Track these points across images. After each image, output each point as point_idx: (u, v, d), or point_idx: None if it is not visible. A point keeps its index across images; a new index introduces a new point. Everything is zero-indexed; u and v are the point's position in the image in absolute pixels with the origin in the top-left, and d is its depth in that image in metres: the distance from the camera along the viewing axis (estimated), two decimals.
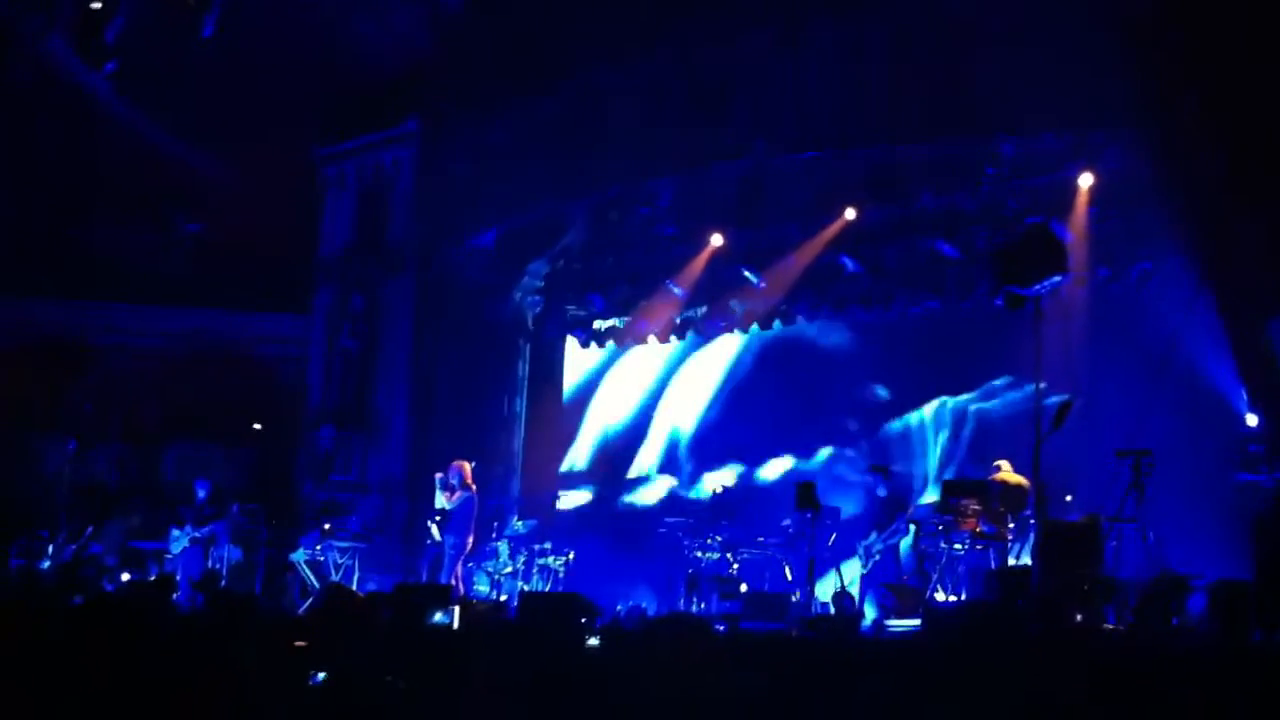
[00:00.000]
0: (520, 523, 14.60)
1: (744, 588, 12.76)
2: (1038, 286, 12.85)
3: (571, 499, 16.70)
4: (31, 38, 16.03)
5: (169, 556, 14.07)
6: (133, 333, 17.29)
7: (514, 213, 15.63)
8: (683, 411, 16.74)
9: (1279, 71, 10.19)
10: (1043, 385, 10.78)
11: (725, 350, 16.57)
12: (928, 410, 14.41)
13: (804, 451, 14.25)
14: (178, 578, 13.10)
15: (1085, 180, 12.83)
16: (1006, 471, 12.06)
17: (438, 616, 9.94)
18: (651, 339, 16.73)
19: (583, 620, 8.74)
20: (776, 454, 14.41)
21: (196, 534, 14.02)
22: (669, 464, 16.61)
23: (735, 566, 13.39)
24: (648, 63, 14.19)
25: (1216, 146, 10.75)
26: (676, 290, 16.04)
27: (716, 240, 15.33)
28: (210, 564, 13.94)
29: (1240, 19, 10.41)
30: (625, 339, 16.95)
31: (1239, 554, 10.61)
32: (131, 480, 16.26)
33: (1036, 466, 11.37)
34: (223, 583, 13.40)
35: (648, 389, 17.04)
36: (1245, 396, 11.34)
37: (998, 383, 13.72)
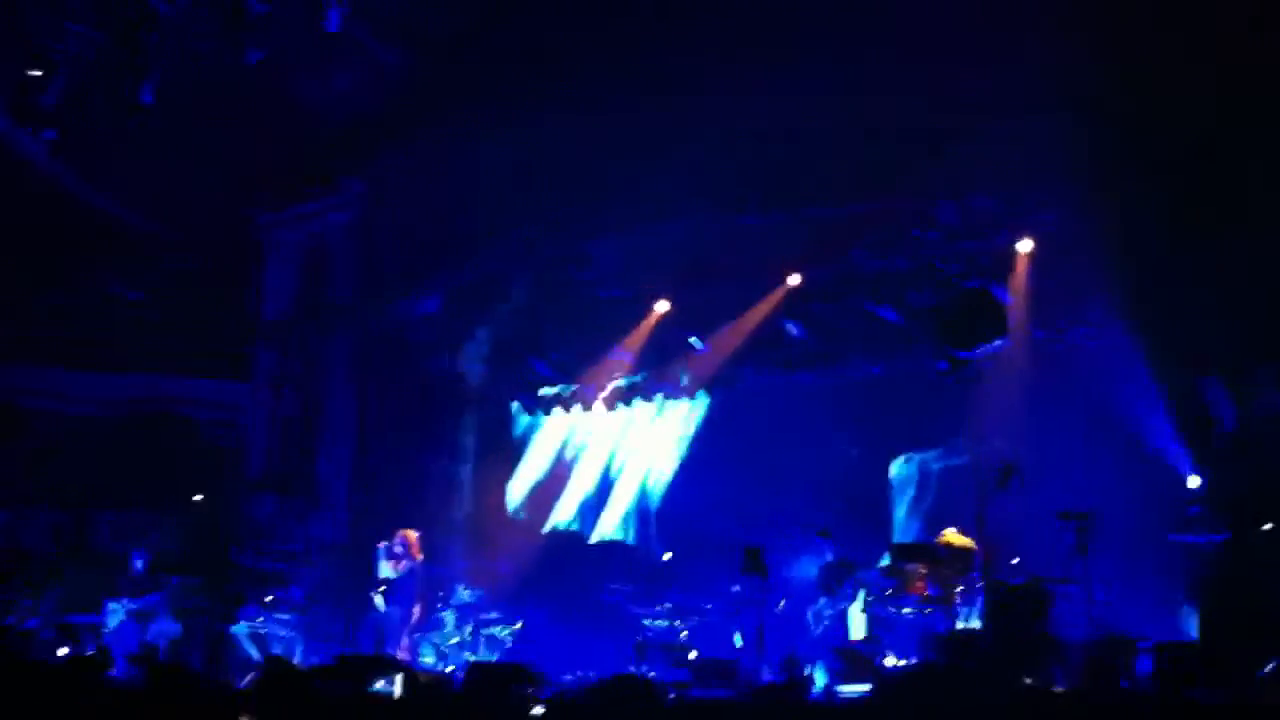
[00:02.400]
0: (467, 591, 14.41)
1: (693, 655, 12.66)
2: (978, 350, 13.05)
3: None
4: None
5: (106, 630, 13.75)
6: (69, 398, 17.01)
7: (457, 274, 15.59)
8: (633, 477, 16.66)
9: (1222, 139, 10.45)
10: (984, 447, 10.89)
11: (676, 414, 16.55)
12: (891, 469, 14.46)
13: (752, 516, 14.20)
14: (112, 652, 12.79)
15: (1024, 245, 13.02)
16: (953, 534, 12.10)
17: (379, 685, 9.76)
18: (597, 406, 16.68)
19: (528, 691, 8.62)
20: (725, 518, 14.34)
21: (133, 606, 13.74)
22: (622, 528, 16.48)
23: (684, 633, 13.29)
24: (588, 120, 14.27)
25: (1156, 210, 10.97)
26: (620, 355, 16.06)
27: (661, 306, 15.38)
28: (148, 637, 13.64)
29: (1185, 88, 10.66)
30: (570, 405, 16.88)
31: (1183, 615, 10.72)
32: (67, 546, 15.92)
33: (981, 529, 11.49)
34: (161, 656, 13.10)
35: (604, 454, 16.93)
36: (1186, 458, 11.49)
37: (959, 441, 13.76)
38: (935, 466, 14.13)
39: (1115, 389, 11.78)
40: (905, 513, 14.15)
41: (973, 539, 11.64)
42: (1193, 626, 10.69)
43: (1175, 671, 9.10)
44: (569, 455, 16.87)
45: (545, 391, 16.86)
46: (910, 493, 14.20)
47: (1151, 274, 11.40)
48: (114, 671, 12.06)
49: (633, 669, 12.46)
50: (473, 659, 13.48)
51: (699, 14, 13.52)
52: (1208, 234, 10.85)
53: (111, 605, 13.83)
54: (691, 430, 16.16)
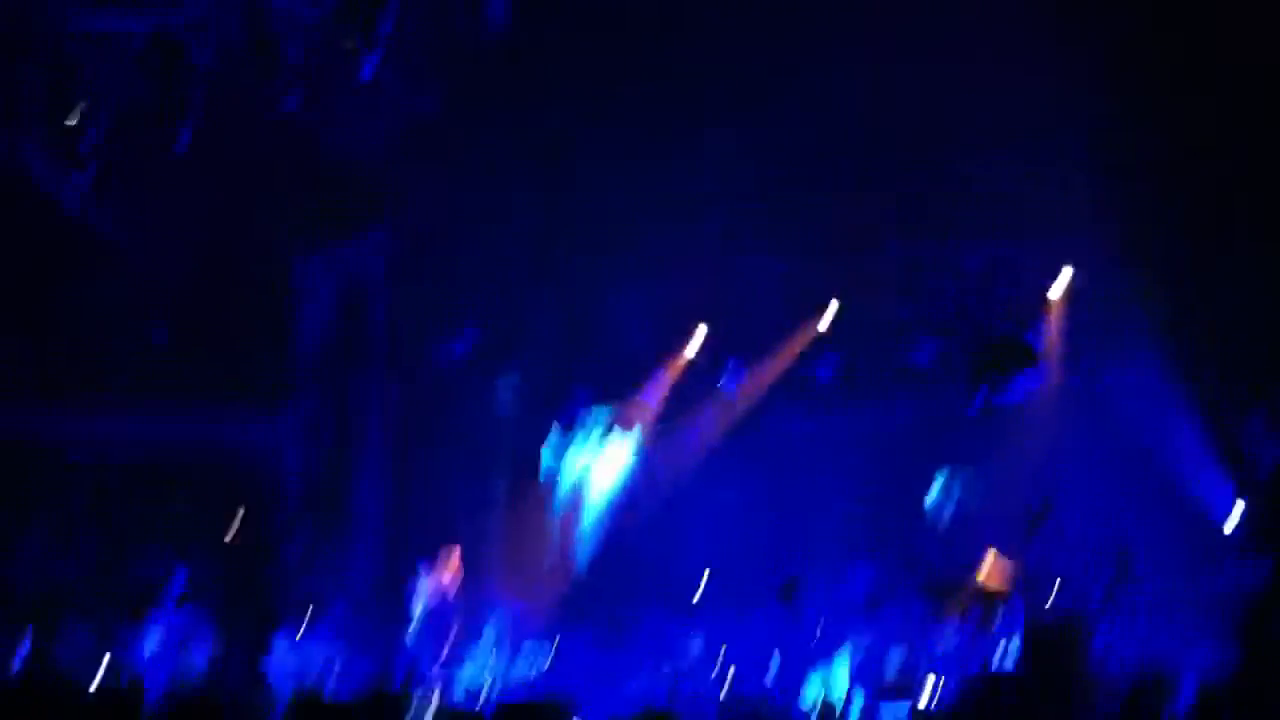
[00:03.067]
0: (501, 619, 14.39)
1: (724, 691, 12.62)
2: (1011, 393, 13.09)
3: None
4: (3, 144, 16.07)
5: (139, 660, 13.73)
6: (104, 440, 17.07)
7: (490, 314, 15.70)
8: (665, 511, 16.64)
9: (1262, 172, 10.56)
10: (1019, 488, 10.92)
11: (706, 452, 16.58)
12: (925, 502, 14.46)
13: (789, 550, 14.20)
14: (146, 682, 12.78)
15: (1056, 291, 13.10)
16: (989, 571, 12.09)
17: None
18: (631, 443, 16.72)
19: None
20: (759, 552, 14.34)
21: (168, 636, 13.72)
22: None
23: (719, 664, 13.24)
24: (622, 166, 14.45)
25: (1194, 247, 11.06)
26: (648, 399, 16.13)
27: (690, 349, 15.46)
28: (182, 667, 13.62)
29: (1222, 122, 10.79)
30: (603, 443, 16.89)
31: (1225, 652, 10.67)
32: (101, 581, 15.92)
33: (1020, 570, 11.50)
34: (194, 686, 13.09)
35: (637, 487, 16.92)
36: (1226, 493, 11.50)
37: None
38: (971, 504, 14.15)
39: (1153, 428, 11.80)
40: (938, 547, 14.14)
41: (1012, 568, 11.64)
42: (1233, 662, 10.64)
43: (1216, 707, 9.06)
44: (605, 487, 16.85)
45: (580, 429, 16.90)
46: (943, 527, 14.19)
47: (1186, 312, 11.47)
48: (148, 701, 12.06)
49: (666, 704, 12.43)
50: (504, 687, 13.44)
51: (734, 60, 13.77)
52: (1246, 270, 10.93)
53: (146, 635, 13.84)
54: (719, 469, 16.18)
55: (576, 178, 15.06)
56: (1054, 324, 13.17)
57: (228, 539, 15.48)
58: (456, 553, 13.75)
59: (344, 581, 15.45)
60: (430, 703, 9.97)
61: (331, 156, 16.28)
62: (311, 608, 14.75)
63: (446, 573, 13.58)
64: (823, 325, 14.67)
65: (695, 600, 14.18)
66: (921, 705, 11.13)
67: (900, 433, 14.90)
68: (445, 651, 13.40)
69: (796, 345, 14.97)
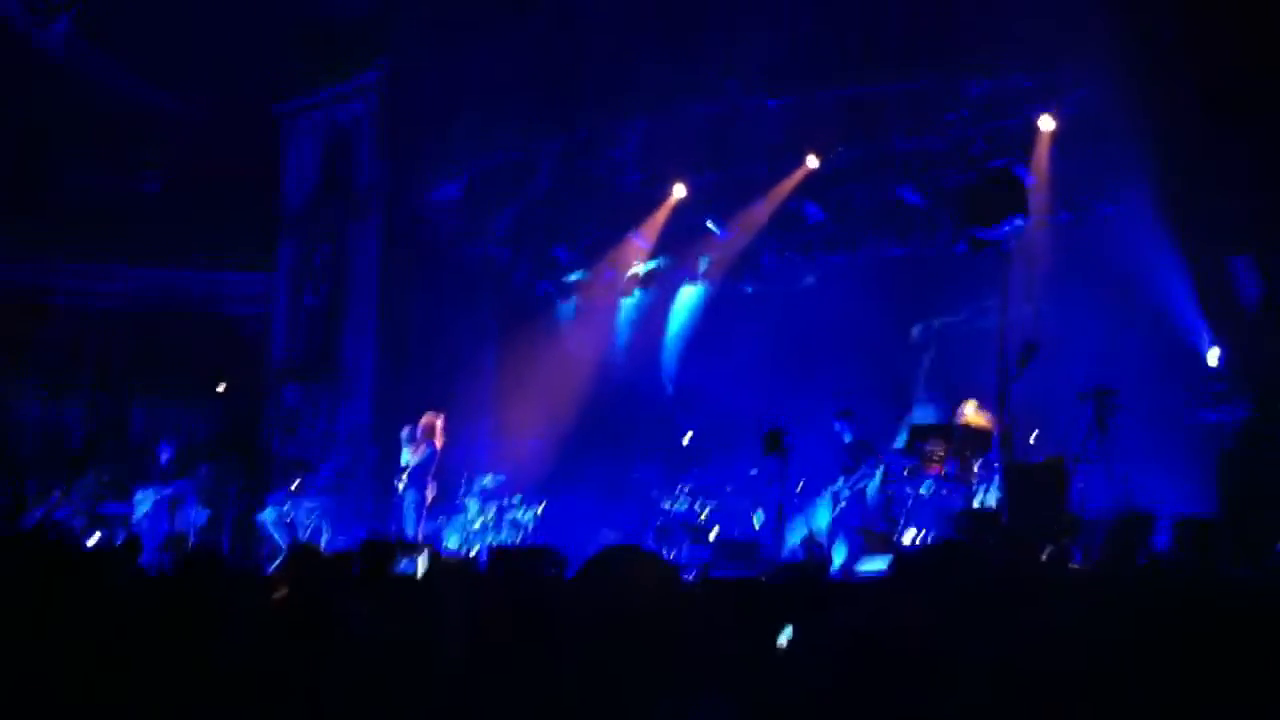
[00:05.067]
0: (489, 477, 14.55)
1: (713, 535, 12.79)
2: (1000, 229, 12.89)
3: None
4: None
5: (135, 519, 13.96)
6: (97, 290, 17.10)
7: (483, 157, 15.47)
8: (655, 358, 16.69)
9: (1262, 12, 10.19)
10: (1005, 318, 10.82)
11: (697, 298, 16.53)
12: (912, 333, 14.43)
13: (772, 396, 14.21)
14: (142, 540, 13.00)
15: (1046, 123, 12.79)
16: (971, 414, 12.10)
17: (403, 564, 9.89)
18: (615, 291, 16.66)
19: (552, 572, 8.72)
20: (744, 399, 14.37)
21: (162, 494, 13.92)
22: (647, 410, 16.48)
23: (704, 514, 13.42)
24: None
25: (1191, 80, 10.75)
26: (639, 241, 15.99)
27: (680, 191, 15.24)
28: (176, 525, 13.84)
29: None
30: (590, 291, 16.86)
31: (1203, 491, 10.72)
32: (99, 437, 16.12)
33: (1002, 408, 11.47)
34: (189, 543, 13.32)
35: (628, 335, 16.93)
36: (1209, 334, 11.40)
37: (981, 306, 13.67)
38: (955, 332, 14.12)
39: (1139, 267, 11.63)
40: (924, 382, 14.15)
41: (992, 416, 11.65)
42: (1213, 502, 10.69)
43: (1194, 545, 9.11)
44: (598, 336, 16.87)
45: (565, 277, 16.84)
46: (930, 356, 14.19)
47: (1181, 150, 11.19)
48: (143, 559, 12.28)
49: (653, 548, 12.61)
50: (494, 542, 13.67)
51: None
52: (1241, 109, 10.62)
53: (140, 494, 14.04)
54: (711, 314, 16.14)
55: (574, 10, 14.61)
56: (1043, 158, 12.88)
57: (218, 390, 15.56)
58: (442, 417, 13.74)
59: (333, 438, 15.56)
60: (421, 552, 10.09)
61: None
62: (304, 460, 14.93)
63: (435, 432, 13.62)
64: (812, 163, 14.37)
65: (683, 451, 14.28)
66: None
67: (890, 268, 14.79)
68: (428, 502, 13.52)
69: (787, 184, 14.71)
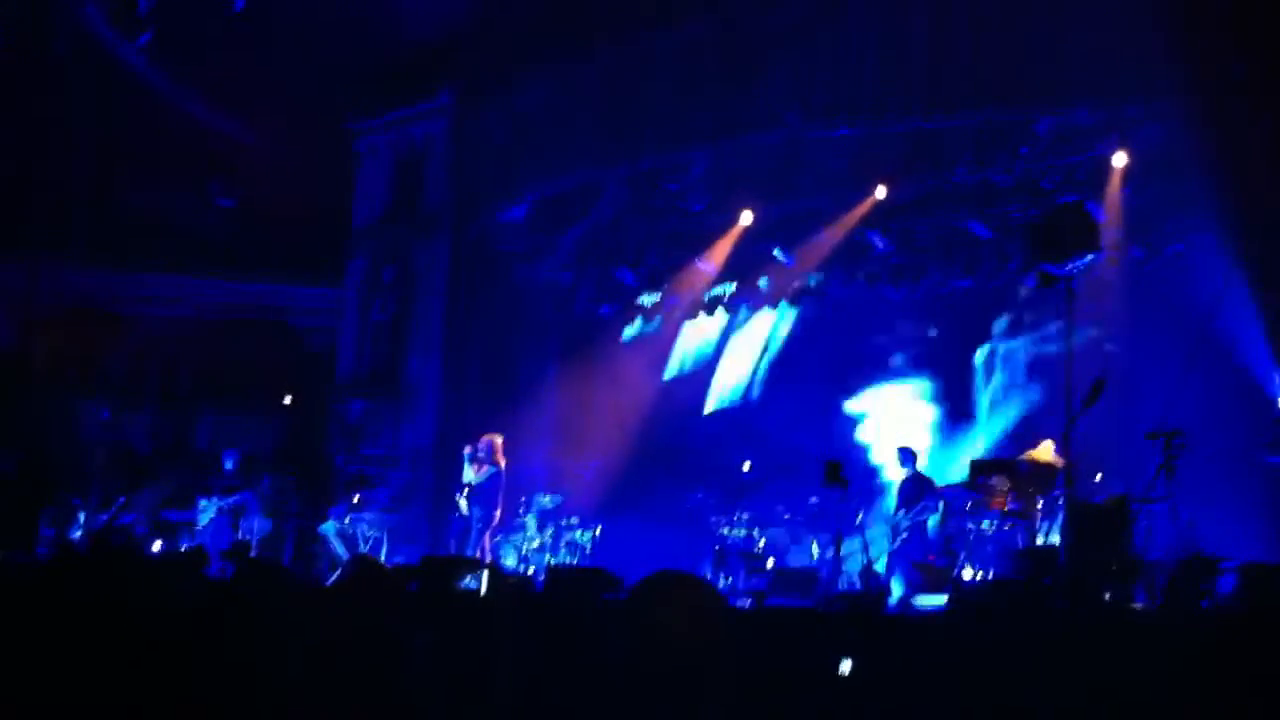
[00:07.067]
0: (548, 498, 14.60)
1: (770, 563, 12.75)
2: (1071, 265, 12.76)
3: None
4: (68, 9, 16.09)
5: (197, 527, 14.12)
6: (167, 300, 17.39)
7: (547, 182, 15.56)
8: (719, 387, 16.71)
9: None
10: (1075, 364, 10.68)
11: (762, 325, 16.52)
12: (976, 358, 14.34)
13: (832, 428, 14.20)
14: (206, 549, 13.15)
15: (1119, 159, 12.70)
16: (1036, 450, 11.98)
17: (466, 580, 9.93)
18: (678, 315, 16.70)
19: (608, 594, 8.75)
20: (805, 428, 14.34)
21: (224, 504, 14.08)
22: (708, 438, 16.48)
23: (762, 543, 13.37)
24: (685, 29, 14.11)
25: (1261, 118, 10.63)
26: (705, 267, 16.03)
27: (746, 218, 15.26)
28: (239, 535, 13.99)
29: None
30: (653, 315, 16.92)
31: (1271, 536, 10.54)
32: (165, 446, 16.36)
33: (1067, 446, 11.33)
34: (251, 553, 13.44)
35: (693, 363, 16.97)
36: (1277, 376, 11.23)
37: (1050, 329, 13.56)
38: (1023, 355, 14.01)
39: (1210, 307, 11.50)
40: (990, 411, 14.04)
41: (1059, 453, 11.52)
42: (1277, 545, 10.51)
43: (1260, 591, 8.96)
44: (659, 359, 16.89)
45: (630, 300, 16.89)
46: (999, 381, 14.08)
47: (1251, 189, 11.06)
48: (211, 567, 12.42)
49: (709, 576, 12.59)
50: (552, 562, 13.69)
51: None
52: None
53: (204, 503, 14.20)
54: (775, 342, 16.13)
55: (639, 43, 14.70)
56: (1115, 195, 12.78)
57: (284, 403, 15.73)
58: (502, 437, 13.81)
59: (396, 455, 15.67)
60: (483, 569, 10.14)
61: (393, 17, 16.08)
62: (366, 475, 15.04)
63: (496, 444, 13.69)
64: (880, 194, 14.34)
65: (742, 478, 14.24)
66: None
67: (957, 303, 14.72)
68: (494, 521, 13.58)
69: (856, 213, 14.70)
